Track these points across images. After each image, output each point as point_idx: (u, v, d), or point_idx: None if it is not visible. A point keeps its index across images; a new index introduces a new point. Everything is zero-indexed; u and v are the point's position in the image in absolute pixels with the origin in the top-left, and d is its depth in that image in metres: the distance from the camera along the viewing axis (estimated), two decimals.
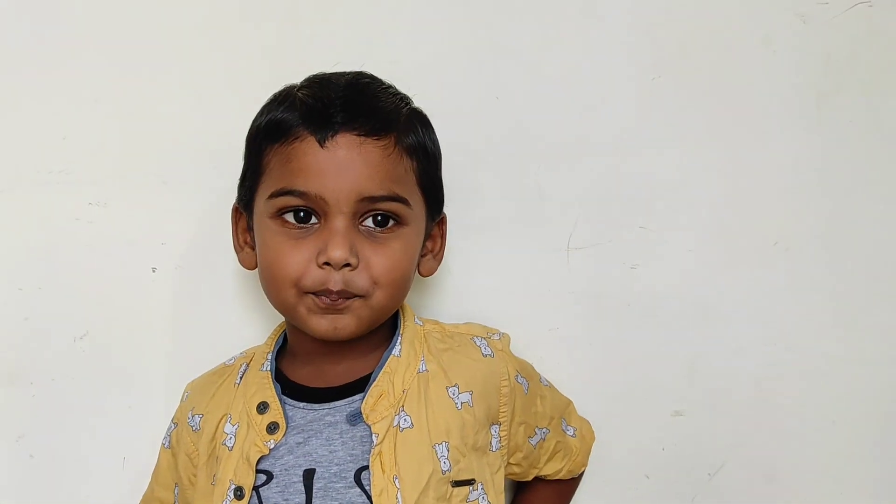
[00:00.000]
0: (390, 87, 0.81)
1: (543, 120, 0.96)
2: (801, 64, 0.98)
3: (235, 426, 0.79)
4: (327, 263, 0.74)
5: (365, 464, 0.75)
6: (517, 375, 0.85)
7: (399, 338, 0.82)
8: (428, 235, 0.83)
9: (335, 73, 0.81)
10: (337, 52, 0.92)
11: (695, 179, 0.98)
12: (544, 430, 0.88)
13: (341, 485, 0.75)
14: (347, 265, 0.74)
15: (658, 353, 0.98)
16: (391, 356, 0.80)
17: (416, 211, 0.79)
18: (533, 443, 0.87)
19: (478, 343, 0.84)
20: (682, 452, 0.99)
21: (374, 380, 0.78)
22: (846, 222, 0.99)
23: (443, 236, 0.86)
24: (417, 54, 0.95)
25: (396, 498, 0.73)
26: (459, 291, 0.97)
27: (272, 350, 0.84)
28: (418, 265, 0.83)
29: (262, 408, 0.78)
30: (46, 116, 0.93)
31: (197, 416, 0.83)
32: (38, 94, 0.93)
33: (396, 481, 0.74)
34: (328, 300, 0.75)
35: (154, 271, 0.94)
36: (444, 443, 0.77)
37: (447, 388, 0.80)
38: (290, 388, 0.80)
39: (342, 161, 0.74)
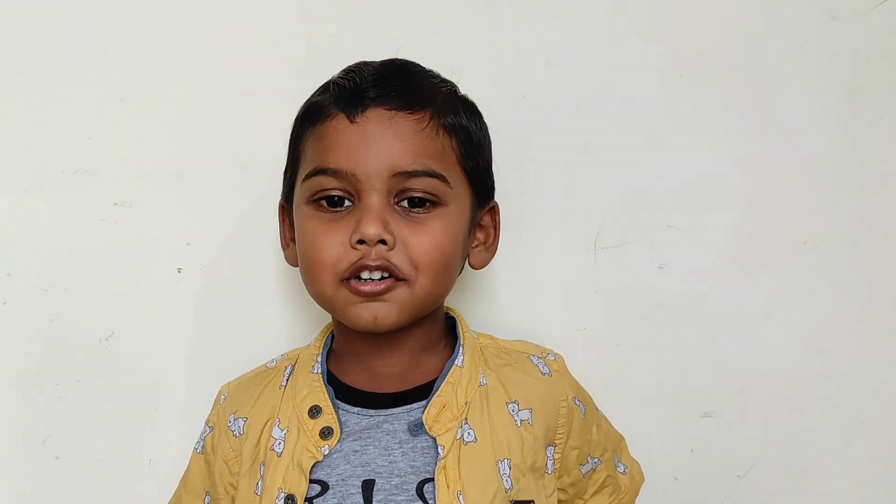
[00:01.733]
0: (432, 71, 0.79)
1: (570, 118, 0.96)
2: (831, 61, 0.97)
3: (284, 431, 0.75)
4: (361, 242, 0.70)
5: (427, 476, 0.72)
6: (574, 398, 0.82)
7: (461, 348, 0.78)
8: (477, 224, 0.79)
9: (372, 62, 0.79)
10: (361, 50, 0.91)
11: (723, 178, 0.97)
12: (597, 460, 0.85)
13: (403, 497, 0.71)
14: (383, 242, 0.70)
15: (686, 354, 0.97)
16: (454, 366, 0.77)
17: (458, 191, 0.74)
18: (583, 471, 0.84)
19: (535, 362, 0.82)
20: (712, 454, 0.98)
21: (436, 390, 0.75)
22: (876, 221, 0.98)
23: (496, 227, 0.81)
24: (442, 52, 0.93)
25: None
26: (486, 291, 0.96)
27: (321, 352, 0.80)
28: (469, 256, 0.80)
29: (314, 412, 0.75)
30: (71, 116, 0.93)
31: (241, 419, 0.78)
32: (63, 94, 0.92)
33: (461, 497, 0.71)
34: (369, 286, 0.71)
35: (179, 272, 0.94)
36: (506, 460, 0.74)
37: (507, 403, 0.77)
38: (342, 392, 0.77)
39: (372, 135, 0.71)
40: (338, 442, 0.73)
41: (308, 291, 0.76)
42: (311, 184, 0.73)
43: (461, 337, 0.80)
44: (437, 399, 0.74)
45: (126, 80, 0.93)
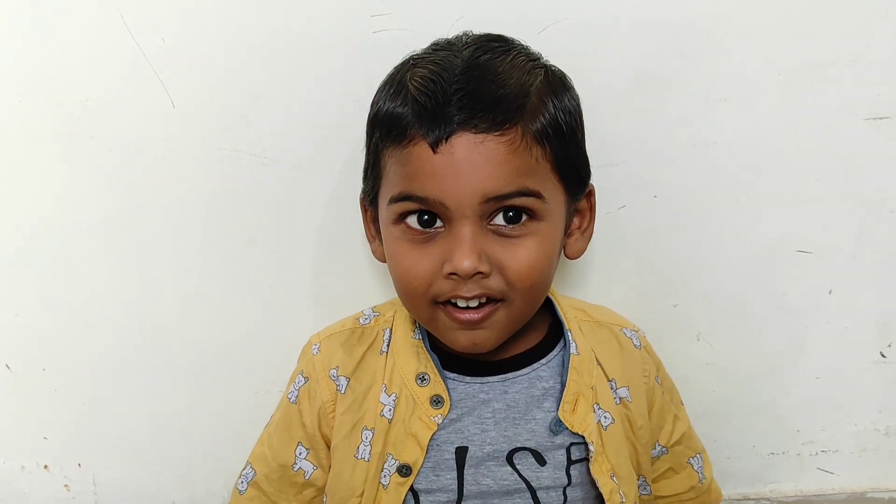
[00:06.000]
0: (516, 54, 0.70)
1: None
2: None
3: (392, 397, 0.75)
4: (454, 274, 0.67)
5: (518, 445, 0.74)
6: (657, 377, 0.82)
7: (569, 334, 0.77)
8: (573, 213, 0.75)
9: (453, 49, 0.71)
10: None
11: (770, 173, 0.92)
12: (663, 448, 0.83)
13: (494, 464, 0.73)
14: (479, 273, 0.67)
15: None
16: (571, 355, 0.76)
17: (553, 202, 0.70)
18: (653, 454, 0.84)
19: (628, 334, 0.82)
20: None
21: (564, 385, 0.75)
22: None
23: (591, 209, 0.77)
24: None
25: (619, 494, 0.74)
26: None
27: None
28: (564, 248, 0.75)
29: (422, 380, 0.75)
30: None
31: (342, 377, 0.77)
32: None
33: (614, 478, 0.74)
34: (468, 314, 0.69)
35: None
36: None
37: (607, 381, 0.78)
38: (442, 357, 0.76)
39: (460, 163, 0.66)
40: (450, 410, 0.74)
41: (406, 309, 0.76)
42: (398, 207, 0.69)
43: (565, 323, 0.78)
44: (568, 395, 0.75)
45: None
